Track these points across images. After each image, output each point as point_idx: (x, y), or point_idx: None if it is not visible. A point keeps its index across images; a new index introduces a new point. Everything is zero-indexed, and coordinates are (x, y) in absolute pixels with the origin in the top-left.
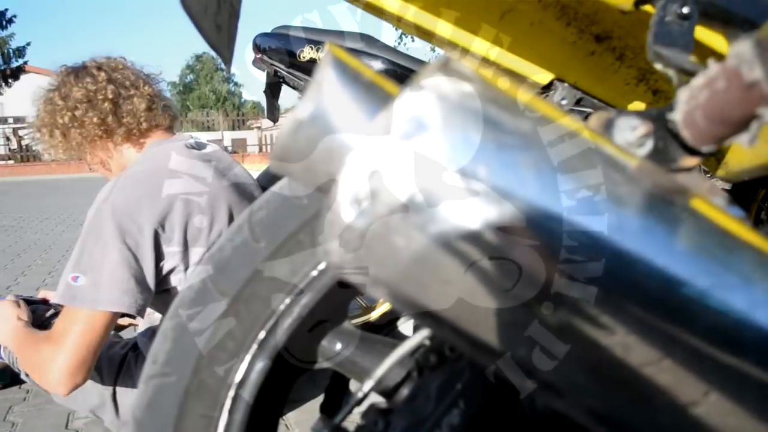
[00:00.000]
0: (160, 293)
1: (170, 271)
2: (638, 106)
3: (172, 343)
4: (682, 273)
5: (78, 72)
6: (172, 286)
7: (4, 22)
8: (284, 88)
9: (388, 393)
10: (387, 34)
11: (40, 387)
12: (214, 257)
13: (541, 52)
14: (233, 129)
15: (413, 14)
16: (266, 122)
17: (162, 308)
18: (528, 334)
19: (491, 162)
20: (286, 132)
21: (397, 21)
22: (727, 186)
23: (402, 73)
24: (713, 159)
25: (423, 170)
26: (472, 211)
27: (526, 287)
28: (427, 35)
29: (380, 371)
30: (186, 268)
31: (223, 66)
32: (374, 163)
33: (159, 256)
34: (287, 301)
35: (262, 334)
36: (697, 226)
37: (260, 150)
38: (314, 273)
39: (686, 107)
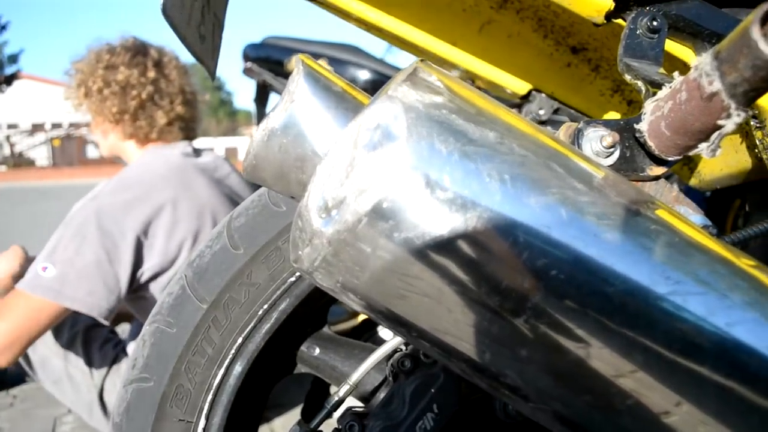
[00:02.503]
0: (140, 300)
1: (151, 279)
2: (613, 116)
3: (151, 348)
4: (642, 279)
5: (138, 53)
6: (152, 294)
7: None
8: (273, 96)
9: (366, 397)
10: (374, 45)
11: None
12: (194, 264)
13: (519, 63)
14: (225, 136)
15: (394, 25)
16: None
17: (143, 314)
18: (494, 340)
19: (456, 171)
20: (258, 141)
21: (377, 31)
22: (707, 194)
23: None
24: (686, 168)
25: (389, 179)
26: (437, 219)
27: (491, 294)
28: (408, 46)
29: (356, 376)
30: (170, 277)
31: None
32: (343, 171)
33: (138, 262)
34: (265, 306)
35: (240, 340)
36: (659, 234)
37: None
38: (292, 279)
39: (652, 118)
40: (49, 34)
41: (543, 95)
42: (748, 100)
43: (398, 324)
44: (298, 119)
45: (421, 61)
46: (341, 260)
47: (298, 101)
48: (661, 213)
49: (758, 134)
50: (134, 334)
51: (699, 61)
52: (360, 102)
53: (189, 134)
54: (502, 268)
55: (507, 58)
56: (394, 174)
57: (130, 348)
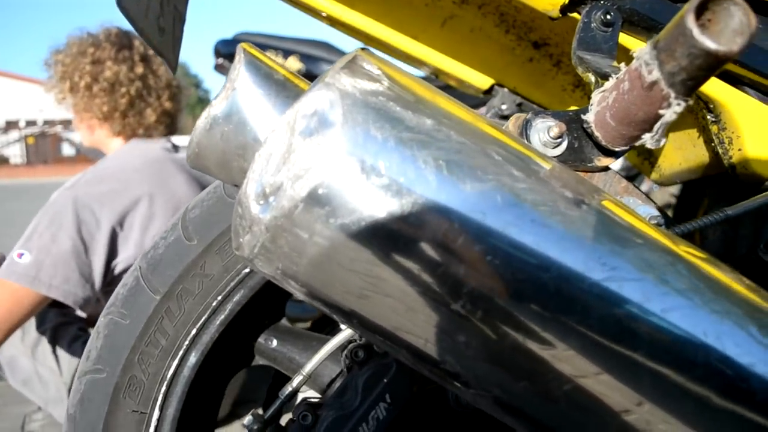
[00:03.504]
0: (110, 292)
1: (125, 271)
2: None
3: (105, 339)
4: (577, 265)
5: (123, 46)
6: None
7: None
8: None
9: (323, 388)
10: (347, 42)
11: None
12: (148, 255)
13: (482, 58)
14: None
15: (359, 21)
16: None
17: None
18: (431, 326)
19: (392, 157)
20: (200, 129)
21: (344, 27)
22: (672, 200)
23: None
24: (647, 162)
25: (325, 165)
26: (373, 205)
27: (427, 280)
28: (373, 42)
29: (309, 367)
30: None
31: (194, 73)
32: (280, 158)
33: (112, 253)
34: (219, 298)
35: (194, 331)
36: (597, 222)
37: None
38: (246, 270)
39: (598, 108)
40: (22, 29)
41: (505, 90)
42: (687, 89)
43: (337, 310)
44: (239, 107)
45: (362, 49)
46: (279, 246)
47: (239, 89)
48: (603, 202)
49: (714, 128)
50: None
51: (639, 50)
52: (301, 90)
53: (172, 130)
54: (437, 254)
55: (470, 52)
56: (330, 160)
57: None
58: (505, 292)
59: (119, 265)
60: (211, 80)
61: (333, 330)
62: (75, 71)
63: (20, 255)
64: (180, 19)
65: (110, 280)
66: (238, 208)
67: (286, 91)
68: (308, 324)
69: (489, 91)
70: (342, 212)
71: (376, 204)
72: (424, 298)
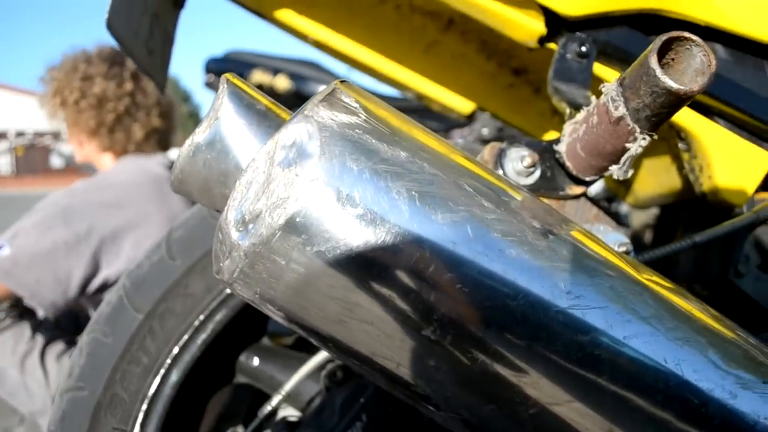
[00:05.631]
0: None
1: (113, 285)
2: (553, 136)
3: (87, 357)
4: (543, 294)
5: (114, 63)
6: None
7: None
8: None
9: (302, 407)
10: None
11: None
12: (132, 274)
13: (464, 83)
14: None
15: (344, 45)
16: None
17: None
18: (402, 351)
19: (366, 188)
20: (183, 155)
21: (330, 51)
22: (651, 222)
23: None
24: (622, 187)
25: (302, 194)
26: (348, 234)
27: (399, 307)
28: (358, 65)
29: (288, 386)
30: None
31: (184, 87)
32: (259, 186)
33: (96, 265)
34: (201, 317)
35: (175, 350)
36: (564, 251)
37: None
38: (228, 291)
39: (569, 139)
40: (14, 41)
41: (487, 115)
42: (651, 125)
43: (313, 334)
44: (221, 136)
45: (341, 81)
46: (257, 272)
47: (222, 118)
48: (571, 232)
49: (686, 156)
50: None
51: (607, 86)
52: (282, 120)
53: (165, 146)
54: (409, 282)
55: (452, 78)
56: (307, 190)
57: None
58: (473, 318)
59: (110, 278)
60: (201, 95)
61: (314, 349)
62: (66, 87)
63: (1, 247)
64: (169, 42)
65: (97, 291)
66: (219, 233)
67: (267, 121)
68: (290, 341)
69: (471, 116)
70: (318, 240)
71: (351, 233)
72: (396, 324)
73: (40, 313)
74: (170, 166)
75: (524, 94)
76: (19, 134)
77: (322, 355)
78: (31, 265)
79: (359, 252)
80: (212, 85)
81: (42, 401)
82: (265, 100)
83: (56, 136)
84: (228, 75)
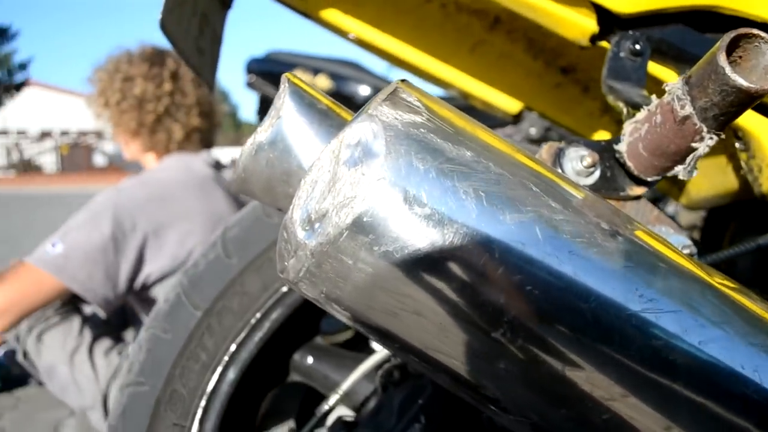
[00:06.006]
0: (148, 301)
1: (158, 280)
2: (602, 135)
3: (147, 353)
4: (615, 297)
5: (155, 63)
6: (157, 295)
7: (6, 37)
8: None
9: (357, 407)
10: (376, 61)
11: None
12: (189, 272)
13: (510, 82)
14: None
15: (388, 44)
16: None
17: (148, 314)
18: (471, 353)
19: (433, 188)
20: (246, 155)
21: (374, 50)
22: (701, 215)
23: None
24: (675, 188)
25: (369, 194)
26: (415, 234)
27: (468, 308)
28: (402, 64)
29: (345, 385)
30: None
31: (222, 87)
32: (325, 186)
33: (141, 260)
34: (258, 315)
35: (233, 347)
36: (633, 253)
37: None
38: (284, 289)
39: (630, 139)
40: (59, 42)
41: (534, 114)
42: (719, 124)
43: (379, 334)
44: (283, 135)
45: (402, 81)
46: (324, 272)
47: (284, 118)
48: (638, 232)
49: (743, 156)
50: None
51: (671, 85)
52: (343, 119)
53: (208, 144)
54: (477, 284)
55: (498, 77)
56: (374, 190)
57: None
58: (544, 321)
59: (153, 274)
60: (239, 95)
61: (365, 348)
62: (109, 88)
63: (54, 245)
64: (218, 41)
65: (143, 288)
66: (284, 232)
67: (329, 120)
68: (342, 339)
69: (518, 116)
70: (385, 240)
71: (419, 233)
72: (464, 325)
73: (87, 310)
74: (214, 164)
75: (572, 94)
76: (64, 133)
77: (378, 355)
78: (83, 260)
79: (427, 252)
80: (253, 86)
81: (91, 396)
82: (325, 99)
83: (99, 135)
84: (288, 74)
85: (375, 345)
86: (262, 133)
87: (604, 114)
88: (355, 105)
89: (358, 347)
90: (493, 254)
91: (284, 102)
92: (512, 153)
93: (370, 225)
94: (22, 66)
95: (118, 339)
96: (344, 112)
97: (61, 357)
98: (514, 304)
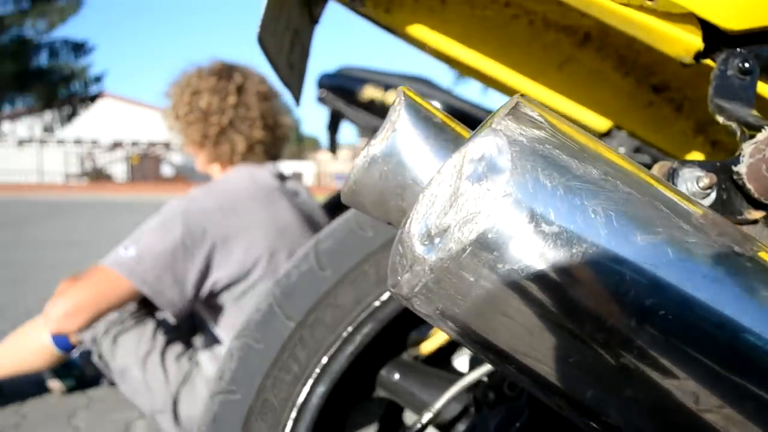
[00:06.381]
0: (214, 308)
1: (225, 288)
2: (696, 156)
3: (238, 362)
4: (753, 325)
5: (221, 77)
6: (224, 302)
7: (84, 52)
8: (344, 124)
9: (444, 426)
10: (443, 77)
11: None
12: (281, 283)
13: (599, 101)
14: (292, 160)
15: (473, 59)
16: (324, 155)
17: (215, 320)
18: (596, 379)
19: (561, 206)
20: (358, 167)
21: (456, 64)
22: None
23: (458, 114)
24: None
25: (494, 210)
26: (542, 253)
27: (595, 331)
28: (487, 80)
29: (439, 404)
30: (243, 290)
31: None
32: (447, 200)
33: (209, 267)
34: (350, 329)
35: (324, 359)
36: (761, 276)
37: (316, 182)
38: (377, 303)
39: (752, 160)
40: (132, 56)
41: (624, 133)
42: None
43: (495, 354)
44: (398, 148)
45: (521, 96)
46: (442, 288)
47: (399, 131)
48: (766, 256)
49: None
50: (206, 348)
51: None
52: (459, 134)
53: (273, 156)
54: (607, 306)
55: (587, 95)
56: (499, 206)
57: (203, 361)
58: (677, 347)
59: (220, 282)
60: (302, 109)
61: (448, 365)
62: (179, 101)
63: (126, 248)
64: (306, 56)
65: (210, 295)
66: (399, 246)
67: (444, 134)
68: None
69: (607, 134)
70: (510, 258)
71: (546, 252)
72: (589, 350)
73: (160, 316)
74: (278, 175)
75: (665, 113)
76: (134, 144)
77: (473, 375)
78: (154, 263)
79: (553, 271)
80: (324, 101)
81: (161, 400)
82: (440, 114)
83: (167, 146)
84: (403, 88)
85: (458, 363)
86: (376, 146)
87: (697, 134)
88: None
89: (442, 364)
90: (624, 276)
91: (400, 115)
92: (637, 171)
93: (494, 242)
94: (97, 79)
95: (187, 345)
96: (459, 127)
97: (134, 360)
98: (645, 329)
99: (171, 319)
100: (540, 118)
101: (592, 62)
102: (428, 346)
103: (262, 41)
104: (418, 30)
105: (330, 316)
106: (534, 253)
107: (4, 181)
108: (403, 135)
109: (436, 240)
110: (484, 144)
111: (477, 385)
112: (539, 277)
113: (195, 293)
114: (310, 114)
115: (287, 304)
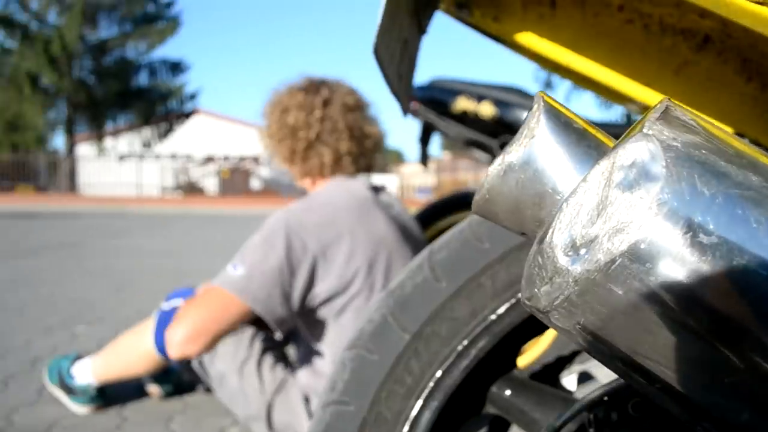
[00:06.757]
0: (313, 319)
1: (325, 301)
2: None
3: (351, 373)
4: None
5: (309, 92)
6: (324, 316)
7: (180, 71)
8: (435, 136)
9: None
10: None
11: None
12: (394, 293)
13: (719, 107)
14: (378, 173)
15: (585, 66)
16: (407, 169)
17: (314, 335)
18: (750, 401)
19: (721, 215)
20: (493, 175)
21: (565, 72)
22: None
23: None
24: None
25: (648, 220)
26: (699, 265)
27: (756, 352)
28: (598, 87)
29: (559, 422)
30: (343, 304)
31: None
32: (594, 210)
33: (312, 280)
34: (465, 342)
35: (438, 373)
36: None
37: (399, 195)
38: (493, 317)
39: None
40: (225, 75)
41: (746, 141)
42: None
43: (639, 371)
44: (537, 156)
45: (668, 99)
46: (586, 301)
47: (538, 137)
48: None
49: None
50: (300, 359)
51: None
52: (601, 140)
53: (364, 167)
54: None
55: (706, 101)
56: (654, 215)
57: (299, 371)
58: None
59: (320, 294)
60: (386, 122)
61: (554, 381)
62: (271, 119)
63: (234, 266)
64: (413, 67)
65: (310, 308)
66: (538, 257)
67: (586, 141)
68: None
69: None
70: (664, 270)
71: (703, 264)
72: (749, 371)
73: (257, 324)
74: (373, 187)
75: None
76: (225, 158)
77: (595, 394)
78: (263, 281)
79: (712, 284)
80: (416, 113)
81: (256, 407)
82: (580, 120)
83: (256, 160)
84: (542, 93)
85: (567, 382)
86: (513, 154)
87: None
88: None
89: (549, 380)
90: None
91: (539, 121)
92: None
93: (647, 252)
94: (192, 96)
95: (281, 354)
96: (600, 134)
97: (232, 366)
98: None
99: (277, 333)
100: (693, 122)
101: (711, 66)
102: (521, 362)
103: (377, 52)
104: (527, 38)
105: (446, 329)
106: (690, 265)
107: (106, 194)
108: (542, 142)
109: (582, 251)
110: (635, 150)
111: (597, 404)
112: (695, 291)
113: (300, 308)
114: (394, 127)
115: (402, 316)
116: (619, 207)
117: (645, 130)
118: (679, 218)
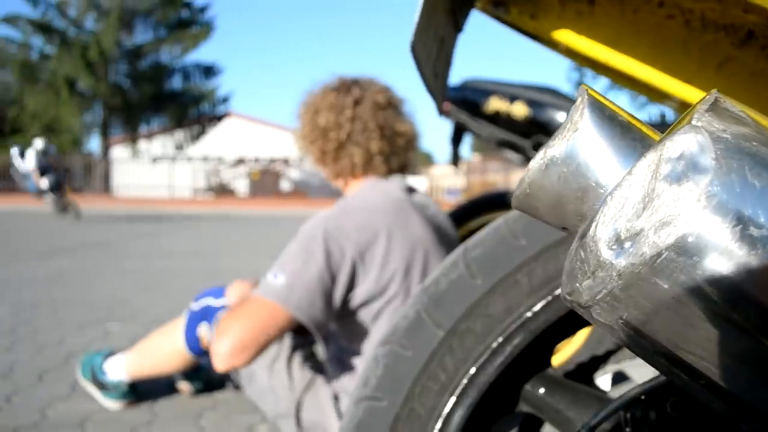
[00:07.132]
0: (348, 322)
1: (363, 304)
2: None
3: (384, 369)
4: None
5: (340, 92)
6: (361, 318)
7: (213, 74)
8: (467, 137)
9: None
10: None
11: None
12: (429, 290)
13: (763, 103)
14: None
15: (624, 63)
16: (436, 170)
17: (348, 337)
18: None
19: None
20: (535, 170)
21: (603, 69)
22: None
23: None
24: None
25: (696, 213)
26: (749, 259)
27: None
28: (637, 85)
29: (595, 421)
30: (379, 308)
31: None
32: (639, 203)
33: (351, 284)
34: (500, 339)
35: (472, 370)
36: None
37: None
38: (528, 314)
39: None
40: (255, 78)
41: None
42: None
43: (682, 367)
44: (581, 149)
45: (717, 91)
46: (630, 295)
47: (581, 131)
48: None
49: None
50: (331, 358)
51: None
52: (646, 134)
53: (398, 167)
54: None
55: (749, 98)
56: (702, 208)
57: (329, 370)
58: None
59: (358, 297)
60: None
61: (589, 381)
62: (303, 121)
63: (275, 275)
64: (449, 65)
65: (348, 311)
66: (580, 251)
67: (630, 134)
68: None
69: None
70: (712, 263)
71: (753, 257)
72: None
73: None
74: (408, 188)
75: None
76: (256, 160)
77: (632, 393)
78: (305, 289)
79: (762, 279)
80: (448, 114)
81: (285, 405)
82: (624, 113)
83: (286, 162)
84: (585, 86)
85: (601, 381)
86: (555, 147)
87: None
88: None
89: (583, 380)
90: None
91: (583, 114)
92: None
93: (695, 246)
94: (225, 100)
95: (311, 353)
96: (644, 127)
97: (262, 363)
98: None
99: (316, 336)
100: (742, 114)
101: (754, 62)
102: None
103: (415, 50)
104: (565, 35)
105: (481, 326)
106: (739, 258)
107: (140, 196)
108: (586, 135)
109: (627, 244)
110: (684, 141)
111: (635, 402)
112: (743, 285)
113: (339, 312)
114: (424, 130)
115: (437, 312)
116: (666, 200)
117: (694, 122)
118: (729, 211)
